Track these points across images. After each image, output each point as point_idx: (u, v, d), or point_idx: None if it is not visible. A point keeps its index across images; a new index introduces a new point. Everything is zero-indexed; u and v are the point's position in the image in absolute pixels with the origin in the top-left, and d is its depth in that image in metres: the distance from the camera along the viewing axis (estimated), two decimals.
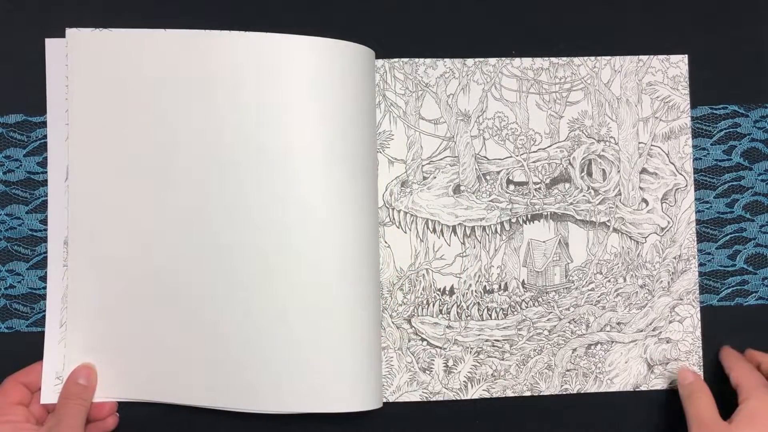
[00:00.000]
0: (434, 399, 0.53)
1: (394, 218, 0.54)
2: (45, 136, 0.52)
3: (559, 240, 0.55)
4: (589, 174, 0.55)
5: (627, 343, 0.55)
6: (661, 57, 0.56)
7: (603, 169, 0.55)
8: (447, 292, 0.54)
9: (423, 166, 0.54)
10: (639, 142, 0.55)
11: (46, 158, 0.52)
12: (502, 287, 0.54)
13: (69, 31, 0.50)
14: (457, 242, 0.54)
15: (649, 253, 0.55)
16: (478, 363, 0.54)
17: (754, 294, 0.55)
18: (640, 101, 0.55)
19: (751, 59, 0.56)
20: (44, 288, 0.52)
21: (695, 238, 0.55)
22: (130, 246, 0.50)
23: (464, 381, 0.54)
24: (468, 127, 0.55)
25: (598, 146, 0.55)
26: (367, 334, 0.51)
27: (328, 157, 0.50)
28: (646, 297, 0.55)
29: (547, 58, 0.55)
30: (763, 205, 0.56)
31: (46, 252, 0.51)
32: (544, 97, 0.55)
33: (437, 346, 0.54)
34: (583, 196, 0.55)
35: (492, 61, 0.55)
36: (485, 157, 0.55)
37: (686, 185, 0.55)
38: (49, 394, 0.50)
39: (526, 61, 0.55)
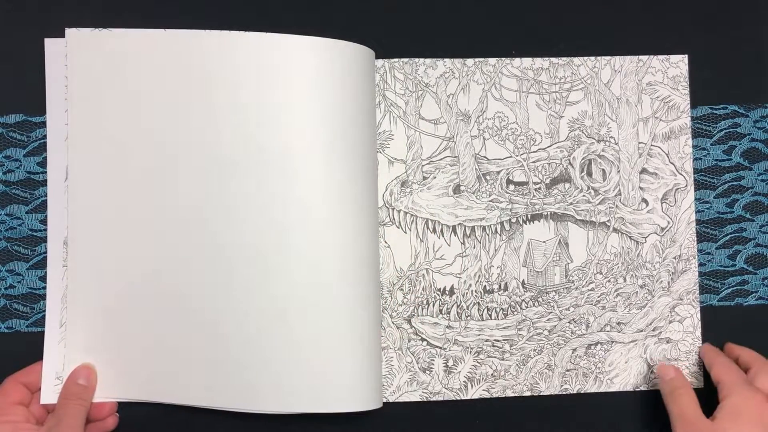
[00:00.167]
0: (434, 399, 0.53)
1: (394, 218, 0.54)
2: (45, 136, 0.52)
3: (559, 240, 0.55)
4: (589, 174, 0.55)
5: (627, 343, 0.55)
6: (661, 57, 0.56)
7: (603, 169, 0.55)
8: (447, 292, 0.54)
9: (423, 166, 0.54)
10: (639, 142, 0.55)
11: (45, 158, 0.52)
12: (502, 287, 0.54)
13: (68, 31, 0.50)
14: (457, 242, 0.54)
15: (649, 253, 0.55)
16: (478, 363, 0.54)
17: (754, 294, 0.55)
18: (640, 101, 0.55)
19: (751, 59, 0.56)
20: (44, 288, 0.52)
21: (695, 238, 0.55)
22: (130, 246, 0.50)
23: (464, 381, 0.54)
24: (468, 127, 0.55)
25: (598, 146, 0.55)
26: (367, 334, 0.51)
27: (327, 157, 0.50)
28: (646, 297, 0.55)
29: (547, 58, 0.55)
30: (763, 205, 0.56)
31: (45, 252, 0.51)
32: (544, 97, 0.55)
33: (437, 346, 0.54)
34: (583, 196, 0.55)
35: (492, 61, 0.55)
36: (485, 157, 0.55)
37: (686, 185, 0.55)
38: (49, 394, 0.50)
39: (526, 61, 0.55)
